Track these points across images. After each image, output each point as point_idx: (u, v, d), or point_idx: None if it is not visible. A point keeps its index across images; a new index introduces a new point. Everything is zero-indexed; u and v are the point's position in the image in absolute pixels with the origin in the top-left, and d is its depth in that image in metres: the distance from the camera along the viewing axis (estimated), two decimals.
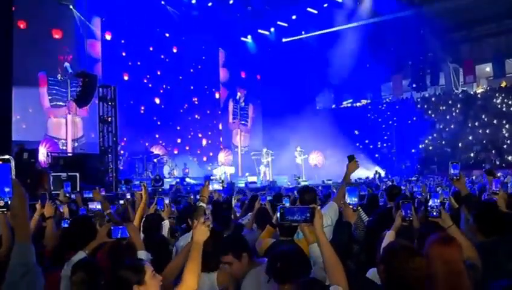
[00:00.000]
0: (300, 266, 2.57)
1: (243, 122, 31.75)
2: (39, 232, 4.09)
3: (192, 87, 27.74)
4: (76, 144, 20.59)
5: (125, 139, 21.44)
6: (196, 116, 28.11)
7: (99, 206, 5.03)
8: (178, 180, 19.36)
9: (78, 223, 3.82)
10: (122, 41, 23.79)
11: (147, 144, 23.75)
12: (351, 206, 2.96)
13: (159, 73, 25.87)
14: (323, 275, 2.34)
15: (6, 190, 1.55)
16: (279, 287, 2.53)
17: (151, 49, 25.34)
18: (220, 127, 30.49)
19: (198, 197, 4.47)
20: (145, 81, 25.24)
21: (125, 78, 23.60)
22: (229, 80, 30.86)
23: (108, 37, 23.22)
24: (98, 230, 3.48)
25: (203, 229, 2.36)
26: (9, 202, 1.55)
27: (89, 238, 3.30)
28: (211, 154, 28.54)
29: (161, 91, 26.10)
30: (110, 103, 15.99)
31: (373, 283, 2.52)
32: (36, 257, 1.83)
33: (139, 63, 24.62)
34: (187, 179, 20.65)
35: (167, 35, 26.11)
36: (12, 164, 1.56)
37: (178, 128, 26.80)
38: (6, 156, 1.57)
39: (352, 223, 3.00)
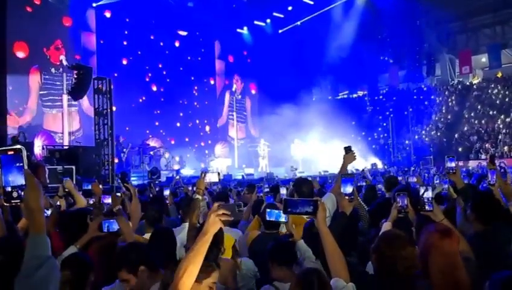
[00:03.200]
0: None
1: (239, 114, 31.69)
2: None
3: (193, 78, 27.70)
4: (73, 137, 20.48)
5: (127, 128, 21.37)
6: (195, 103, 28.07)
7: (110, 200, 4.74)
8: (175, 173, 19.33)
9: (75, 218, 3.76)
10: (126, 32, 23.72)
11: (147, 131, 23.79)
12: (347, 197, 2.91)
13: (160, 66, 25.84)
14: None
15: (19, 180, 1.52)
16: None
17: (152, 37, 25.31)
18: (218, 113, 30.45)
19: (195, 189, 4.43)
20: (147, 78, 25.21)
21: (124, 62, 23.61)
22: (225, 72, 30.74)
23: (108, 14, 22.96)
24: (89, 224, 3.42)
25: (212, 219, 1.88)
26: (22, 193, 1.52)
27: (81, 233, 3.24)
28: (210, 142, 28.55)
29: (162, 89, 26.04)
30: (105, 95, 15.86)
31: (366, 273, 2.55)
32: None
33: (139, 52, 24.53)
34: (182, 171, 20.66)
35: (165, 26, 25.93)
36: (24, 154, 1.52)
37: (181, 114, 26.91)
38: (18, 146, 1.53)
39: (347, 214, 2.95)
